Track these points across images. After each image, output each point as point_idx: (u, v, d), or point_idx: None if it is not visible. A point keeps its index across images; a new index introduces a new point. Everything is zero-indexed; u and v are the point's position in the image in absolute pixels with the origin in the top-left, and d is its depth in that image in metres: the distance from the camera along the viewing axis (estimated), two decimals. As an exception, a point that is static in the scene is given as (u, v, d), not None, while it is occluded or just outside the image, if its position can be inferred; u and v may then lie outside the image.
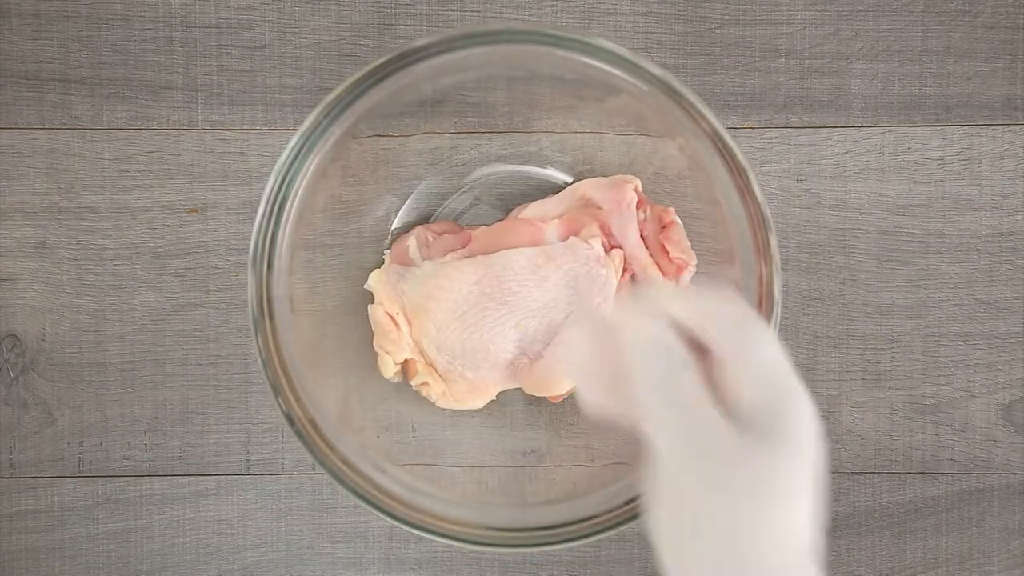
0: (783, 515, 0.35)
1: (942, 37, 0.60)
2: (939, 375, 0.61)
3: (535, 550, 0.50)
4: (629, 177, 0.58)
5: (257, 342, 0.50)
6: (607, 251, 0.56)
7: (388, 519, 0.50)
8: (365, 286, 0.58)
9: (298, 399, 0.51)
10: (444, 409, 0.59)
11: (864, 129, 0.61)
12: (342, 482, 0.50)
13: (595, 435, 0.59)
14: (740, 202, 0.51)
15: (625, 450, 0.58)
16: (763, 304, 0.51)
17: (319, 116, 0.50)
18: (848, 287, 0.61)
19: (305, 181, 0.51)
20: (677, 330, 0.38)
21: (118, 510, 0.61)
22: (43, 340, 0.60)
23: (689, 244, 0.56)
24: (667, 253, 0.56)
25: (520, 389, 0.58)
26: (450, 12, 0.60)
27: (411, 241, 0.57)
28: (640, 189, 0.58)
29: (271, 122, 0.60)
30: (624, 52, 0.50)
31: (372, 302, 0.58)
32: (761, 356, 0.38)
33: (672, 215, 0.57)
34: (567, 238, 0.56)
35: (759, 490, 0.35)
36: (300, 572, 0.61)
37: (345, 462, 0.50)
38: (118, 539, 0.61)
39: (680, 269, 0.56)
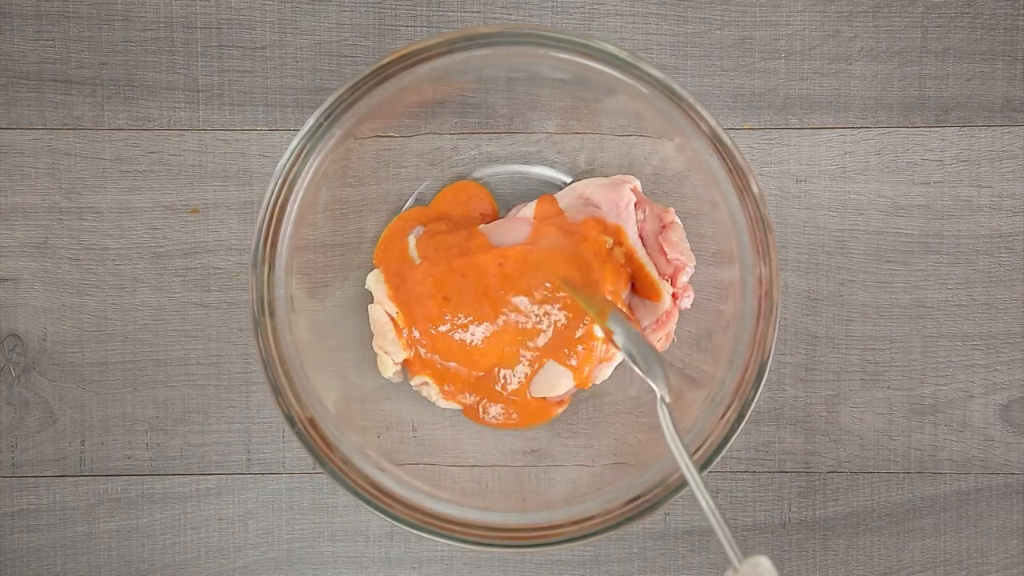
0: None
1: (941, 38, 0.61)
2: (937, 375, 0.61)
3: (535, 550, 0.50)
4: (628, 177, 0.58)
5: (258, 342, 0.50)
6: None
7: (388, 519, 0.50)
8: (365, 286, 0.58)
9: (298, 399, 0.51)
10: (444, 409, 0.59)
11: (863, 130, 0.61)
12: (342, 482, 0.50)
13: (595, 435, 0.59)
14: (739, 203, 0.51)
15: (625, 450, 0.58)
16: (762, 304, 0.51)
17: (320, 117, 0.50)
18: (847, 287, 0.61)
19: (306, 182, 0.51)
20: None
21: (119, 509, 0.61)
22: (45, 340, 0.60)
23: (688, 245, 0.56)
24: (665, 254, 0.56)
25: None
26: (450, 14, 0.60)
27: (410, 240, 0.57)
28: (639, 189, 0.58)
29: (272, 122, 0.60)
30: (624, 54, 0.50)
31: (372, 302, 0.58)
32: None
33: (671, 215, 0.57)
34: (567, 238, 0.56)
35: None
36: (300, 571, 0.61)
37: (345, 462, 0.51)
38: (119, 538, 0.61)
39: (678, 270, 0.56)
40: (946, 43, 0.61)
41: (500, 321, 0.55)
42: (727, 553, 0.44)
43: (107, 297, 0.60)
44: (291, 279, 0.52)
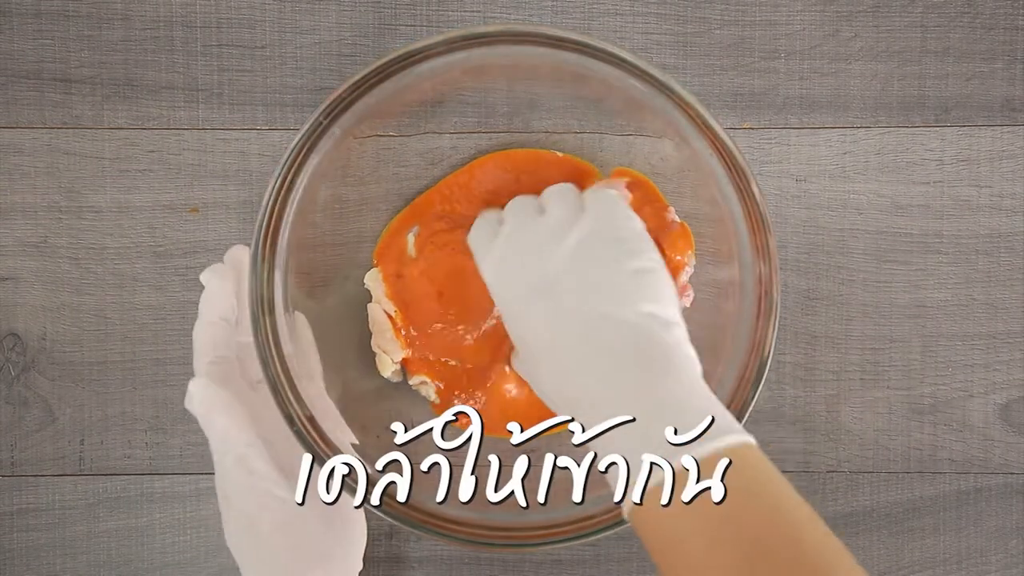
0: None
1: (941, 38, 0.61)
2: (937, 375, 0.61)
3: (535, 550, 0.50)
4: (627, 175, 0.58)
5: (257, 341, 0.50)
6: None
7: (388, 519, 0.50)
8: (364, 285, 0.58)
9: (297, 398, 0.51)
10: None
11: (863, 130, 0.61)
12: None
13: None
14: (739, 202, 0.51)
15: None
16: (762, 304, 0.51)
17: (320, 116, 0.50)
18: (847, 287, 0.61)
19: (306, 181, 0.51)
20: None
21: (119, 508, 0.61)
22: (44, 339, 0.60)
23: (688, 245, 0.56)
24: (664, 253, 0.56)
25: (519, 388, 0.58)
26: (450, 13, 0.60)
27: (408, 238, 0.57)
28: (637, 185, 0.58)
29: (271, 122, 0.60)
30: (623, 53, 0.50)
31: (371, 301, 0.58)
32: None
33: (671, 214, 0.57)
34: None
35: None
36: (300, 570, 0.61)
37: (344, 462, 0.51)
38: (119, 537, 0.61)
39: (677, 269, 0.56)
40: (946, 43, 0.61)
41: (495, 319, 0.55)
42: None
43: (106, 296, 0.60)
44: (290, 278, 0.52)
